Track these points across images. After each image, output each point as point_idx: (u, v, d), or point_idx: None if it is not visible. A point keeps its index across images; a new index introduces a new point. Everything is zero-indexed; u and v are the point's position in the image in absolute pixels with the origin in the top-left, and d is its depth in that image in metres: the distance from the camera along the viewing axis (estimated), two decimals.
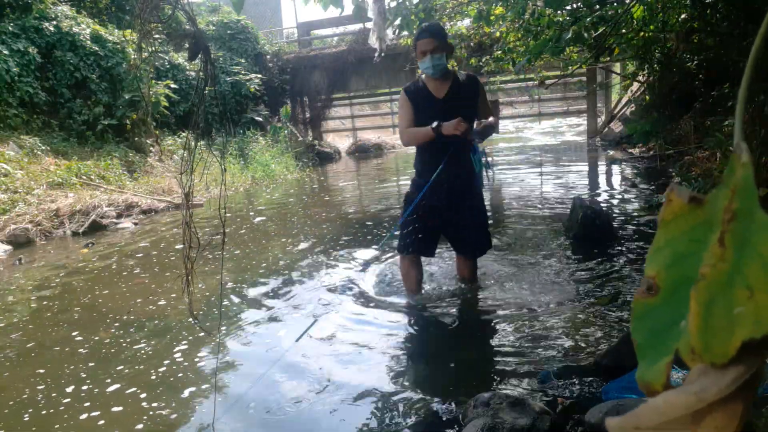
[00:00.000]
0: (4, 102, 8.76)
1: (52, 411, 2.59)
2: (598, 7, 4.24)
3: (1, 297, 4.50)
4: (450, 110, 3.01)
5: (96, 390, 2.76)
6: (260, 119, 13.66)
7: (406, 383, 2.62)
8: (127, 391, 2.73)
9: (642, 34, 6.86)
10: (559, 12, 4.64)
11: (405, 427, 2.29)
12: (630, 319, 0.37)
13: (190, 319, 2.77)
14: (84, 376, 2.92)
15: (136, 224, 7.25)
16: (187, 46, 1.66)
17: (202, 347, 3.20)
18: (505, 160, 11.27)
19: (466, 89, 3.13)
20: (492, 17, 5.25)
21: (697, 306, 0.31)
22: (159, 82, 10.95)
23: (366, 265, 4.47)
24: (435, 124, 2.93)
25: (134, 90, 10.06)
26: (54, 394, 2.74)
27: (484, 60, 10.82)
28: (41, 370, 3.02)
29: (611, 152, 10.60)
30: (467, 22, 8.56)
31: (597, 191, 7.28)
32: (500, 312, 3.29)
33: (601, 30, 4.32)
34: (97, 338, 3.43)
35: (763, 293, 0.29)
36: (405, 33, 4.71)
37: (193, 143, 1.68)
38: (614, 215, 5.46)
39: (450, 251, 4.05)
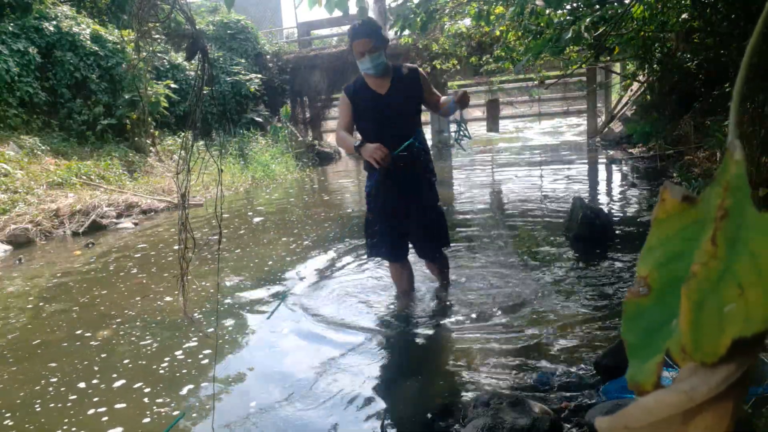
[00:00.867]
0: (4, 102, 8.76)
1: (60, 405, 2.66)
2: (598, 6, 4.23)
3: (2, 297, 4.50)
4: (393, 105, 3.03)
5: (102, 386, 2.82)
6: (260, 119, 13.64)
7: (406, 384, 2.62)
8: (131, 387, 2.77)
9: (642, 33, 6.84)
10: (558, 11, 4.63)
11: (405, 427, 2.29)
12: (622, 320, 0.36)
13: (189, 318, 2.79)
14: (89, 373, 2.97)
15: (136, 224, 7.24)
16: (185, 46, 1.66)
17: (203, 346, 3.20)
18: (506, 160, 11.26)
19: (408, 81, 3.10)
20: (492, 17, 5.24)
21: (688, 304, 0.31)
22: (159, 82, 10.94)
23: (366, 265, 4.46)
24: (357, 143, 2.93)
25: (134, 90, 10.05)
26: (63, 389, 2.81)
27: (484, 59, 10.83)
28: (44, 372, 3.04)
29: (611, 152, 10.58)
30: (467, 21, 8.54)
31: (597, 191, 7.28)
32: (500, 312, 3.29)
33: (601, 30, 4.31)
34: (97, 337, 3.45)
35: (753, 290, 0.29)
36: (406, 32, 4.71)
37: (190, 143, 1.68)
38: (614, 215, 5.46)
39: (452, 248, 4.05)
